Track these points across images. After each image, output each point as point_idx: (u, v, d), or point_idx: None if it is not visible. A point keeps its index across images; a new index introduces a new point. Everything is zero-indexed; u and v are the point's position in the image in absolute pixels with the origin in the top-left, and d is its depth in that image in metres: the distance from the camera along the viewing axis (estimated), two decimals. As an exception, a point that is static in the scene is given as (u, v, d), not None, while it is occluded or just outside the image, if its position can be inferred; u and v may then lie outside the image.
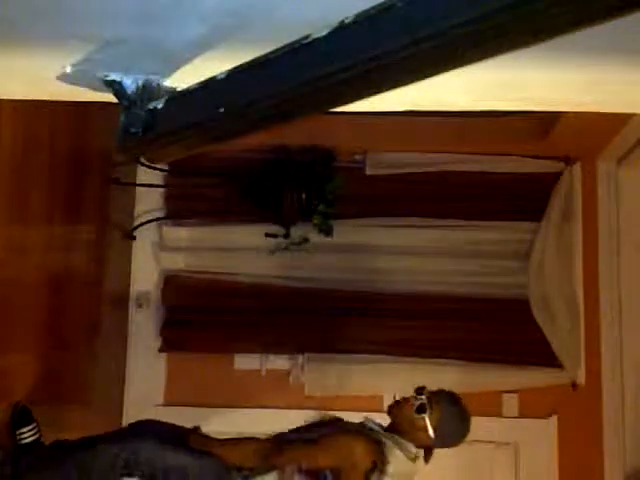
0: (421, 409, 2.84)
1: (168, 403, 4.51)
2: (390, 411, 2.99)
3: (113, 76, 1.23)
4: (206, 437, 3.07)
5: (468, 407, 2.95)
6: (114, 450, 2.94)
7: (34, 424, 3.28)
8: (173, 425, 3.20)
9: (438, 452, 3.01)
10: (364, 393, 4.50)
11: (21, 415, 3.29)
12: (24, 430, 3.24)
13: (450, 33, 0.81)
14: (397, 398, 3.08)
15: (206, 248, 4.67)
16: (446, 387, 4.47)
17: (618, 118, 3.64)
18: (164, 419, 3.31)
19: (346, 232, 4.58)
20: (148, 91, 1.24)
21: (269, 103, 1.07)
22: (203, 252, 4.67)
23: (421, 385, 2.92)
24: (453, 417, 2.89)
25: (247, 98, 1.09)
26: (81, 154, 3.94)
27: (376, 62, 0.89)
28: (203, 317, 4.63)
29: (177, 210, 4.73)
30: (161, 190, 4.74)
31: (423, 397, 2.86)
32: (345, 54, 0.93)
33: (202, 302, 4.66)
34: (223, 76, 1.11)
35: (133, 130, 1.23)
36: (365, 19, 0.90)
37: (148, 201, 4.74)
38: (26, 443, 3.24)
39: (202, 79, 1.16)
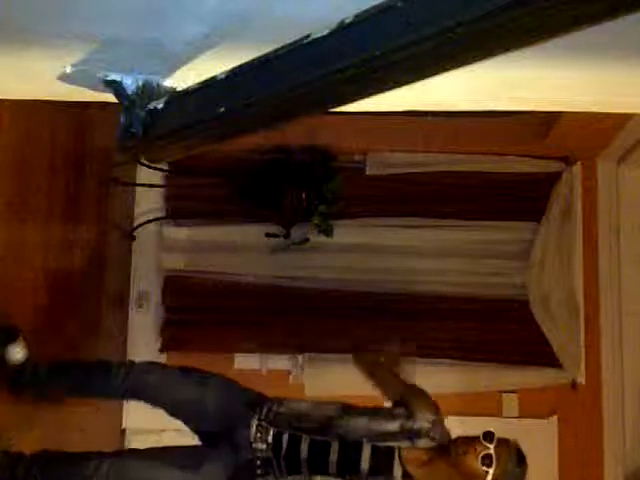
0: (488, 461, 2.55)
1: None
2: (452, 446, 2.67)
3: (113, 76, 1.23)
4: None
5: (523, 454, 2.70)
6: (104, 468, 2.79)
7: (21, 340, 2.96)
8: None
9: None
10: (364, 393, 4.48)
11: (6, 334, 2.98)
12: (11, 347, 2.94)
13: (450, 33, 0.81)
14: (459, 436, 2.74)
15: (206, 248, 4.67)
16: (446, 387, 4.51)
17: (618, 118, 3.64)
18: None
19: (346, 232, 4.58)
20: (148, 91, 1.24)
21: (269, 103, 1.07)
22: (203, 252, 4.67)
23: (489, 430, 2.61)
24: (516, 477, 2.64)
25: (247, 98, 1.09)
26: (81, 154, 3.94)
27: (376, 62, 0.89)
28: (203, 317, 4.63)
29: (177, 210, 4.73)
30: (161, 190, 4.74)
31: (491, 448, 2.56)
32: (345, 54, 0.93)
33: (202, 302, 4.66)
34: (223, 76, 1.12)
35: (133, 130, 1.23)
36: (365, 19, 0.90)
37: (148, 201, 4.74)
38: (17, 364, 2.96)
39: (202, 79, 1.16)
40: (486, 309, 4.60)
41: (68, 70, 1.23)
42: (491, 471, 2.53)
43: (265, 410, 2.83)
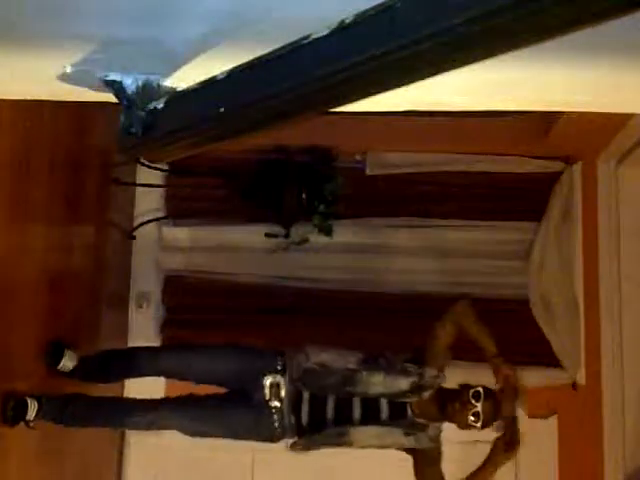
0: (476, 418, 3.03)
1: (168, 403, 4.49)
2: (448, 404, 3.11)
3: (113, 76, 1.23)
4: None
5: None
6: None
7: (68, 351, 3.46)
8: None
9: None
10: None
11: (55, 351, 3.45)
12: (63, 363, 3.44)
13: (450, 33, 0.81)
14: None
15: (206, 248, 4.67)
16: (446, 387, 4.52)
17: (618, 118, 3.64)
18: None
19: (346, 232, 4.58)
20: (148, 91, 1.24)
21: (269, 103, 1.07)
22: (203, 252, 4.67)
23: (477, 389, 3.08)
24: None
25: (247, 98, 1.09)
26: (81, 154, 3.94)
27: (376, 62, 0.89)
28: (203, 317, 4.63)
29: (177, 210, 4.73)
30: (161, 190, 4.74)
31: (479, 406, 3.03)
32: (345, 54, 0.93)
33: (202, 302, 4.66)
34: (223, 76, 1.11)
35: (133, 130, 1.23)
36: (365, 19, 0.90)
37: (148, 201, 4.74)
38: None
39: (202, 79, 1.16)
40: (486, 309, 4.59)
41: (68, 70, 1.23)
42: (479, 425, 3.03)
43: (295, 366, 3.15)
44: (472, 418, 3.03)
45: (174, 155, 1.63)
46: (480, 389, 3.07)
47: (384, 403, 3.13)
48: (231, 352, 3.35)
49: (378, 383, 3.12)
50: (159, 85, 1.24)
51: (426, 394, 3.14)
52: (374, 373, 3.13)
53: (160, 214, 4.73)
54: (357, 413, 3.13)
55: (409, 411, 3.14)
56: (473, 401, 3.04)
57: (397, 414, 3.13)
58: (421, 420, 3.15)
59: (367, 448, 3.19)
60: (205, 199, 4.69)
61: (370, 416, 3.13)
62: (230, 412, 3.24)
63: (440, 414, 3.14)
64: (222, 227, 4.66)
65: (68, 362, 3.47)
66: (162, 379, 4.58)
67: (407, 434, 3.13)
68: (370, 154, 4.70)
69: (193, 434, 3.31)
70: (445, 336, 3.31)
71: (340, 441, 3.14)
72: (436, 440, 3.18)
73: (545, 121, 4.28)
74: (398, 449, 3.19)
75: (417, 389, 3.13)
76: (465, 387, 3.12)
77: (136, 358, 3.51)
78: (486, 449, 3.18)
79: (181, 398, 3.37)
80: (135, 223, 4.70)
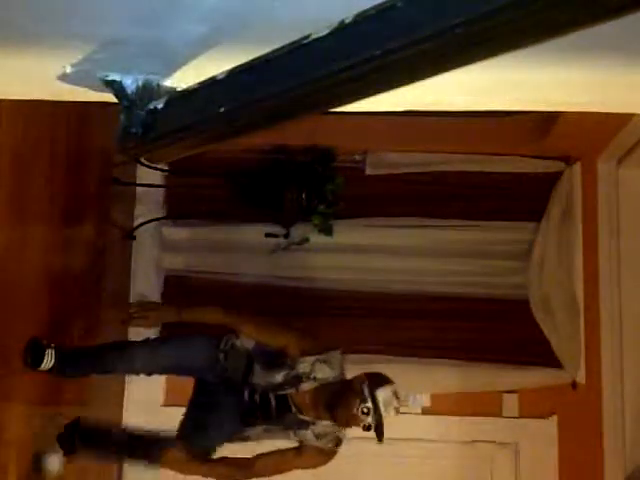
0: (366, 413, 2.93)
1: (168, 403, 4.50)
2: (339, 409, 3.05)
3: (113, 76, 1.23)
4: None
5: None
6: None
7: (47, 350, 3.27)
8: None
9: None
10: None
11: (34, 351, 3.27)
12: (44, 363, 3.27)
13: (450, 33, 0.81)
14: None
15: (206, 248, 4.67)
16: (446, 387, 4.52)
17: (618, 118, 3.64)
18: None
19: (346, 232, 4.58)
20: (148, 91, 1.24)
21: (269, 103, 1.07)
22: (203, 252, 4.67)
23: (365, 397, 2.96)
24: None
25: (247, 98, 1.09)
26: (81, 154, 3.94)
27: (376, 62, 0.89)
28: (203, 317, 4.62)
29: (177, 210, 4.73)
30: (161, 190, 4.74)
31: (369, 401, 2.93)
32: (345, 54, 0.93)
33: (202, 302, 4.65)
34: (223, 76, 1.11)
35: (133, 130, 1.23)
36: (365, 19, 0.90)
37: (148, 201, 4.74)
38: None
39: (202, 79, 1.16)
40: (486, 309, 4.60)
41: (68, 70, 1.23)
42: (369, 419, 2.89)
43: (223, 342, 3.22)
44: (363, 414, 2.91)
45: (174, 155, 1.63)
46: (366, 395, 2.92)
47: (272, 398, 3.12)
48: (170, 352, 3.37)
49: (258, 377, 3.14)
50: (159, 85, 1.24)
51: (304, 386, 3.07)
52: (257, 365, 3.16)
53: (160, 214, 4.73)
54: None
55: (292, 406, 3.10)
56: (364, 405, 2.91)
57: (282, 409, 3.12)
58: (305, 417, 3.08)
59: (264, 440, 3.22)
60: (205, 199, 4.69)
61: (263, 411, 3.14)
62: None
63: (330, 412, 3.05)
64: (222, 227, 4.67)
65: (50, 362, 3.30)
66: (162, 378, 4.59)
67: (291, 431, 3.10)
68: (370, 154, 4.70)
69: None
70: (241, 324, 3.27)
71: (239, 437, 3.20)
72: (325, 436, 3.09)
73: (545, 121, 4.27)
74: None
75: (293, 380, 3.08)
76: (354, 379, 3.03)
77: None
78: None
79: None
80: (135, 223, 4.70)
